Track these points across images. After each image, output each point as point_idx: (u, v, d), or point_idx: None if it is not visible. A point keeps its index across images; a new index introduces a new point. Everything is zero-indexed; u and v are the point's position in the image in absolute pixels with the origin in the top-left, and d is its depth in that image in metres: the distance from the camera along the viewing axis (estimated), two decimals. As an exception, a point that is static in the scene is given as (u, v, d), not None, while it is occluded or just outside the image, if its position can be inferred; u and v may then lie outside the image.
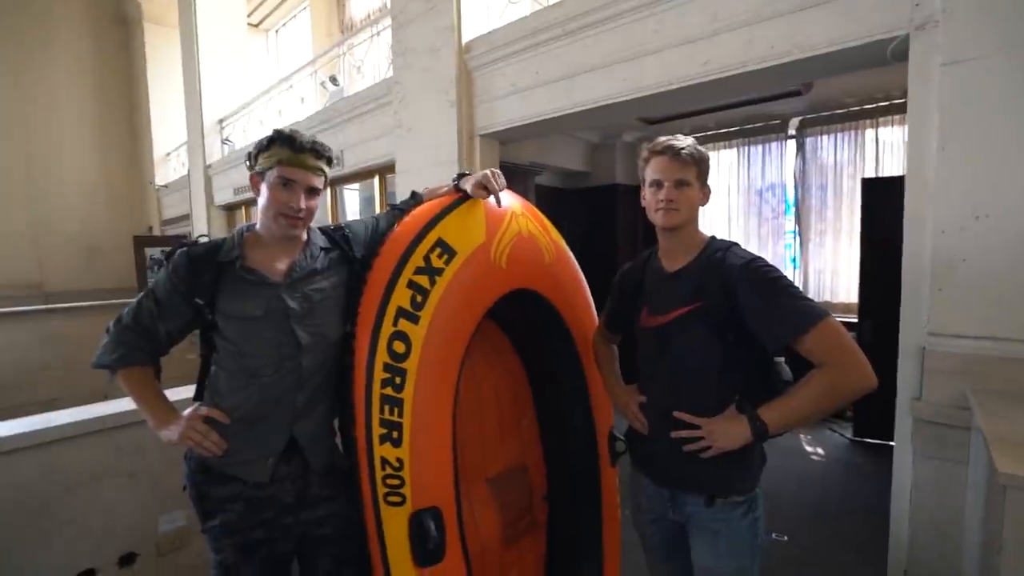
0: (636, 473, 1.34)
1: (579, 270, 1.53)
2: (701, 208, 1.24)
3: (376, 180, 4.19)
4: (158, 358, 1.30)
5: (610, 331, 1.44)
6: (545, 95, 2.75)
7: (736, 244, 1.20)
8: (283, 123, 5.29)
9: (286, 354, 1.23)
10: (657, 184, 1.20)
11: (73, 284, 8.56)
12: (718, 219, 4.73)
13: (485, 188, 1.35)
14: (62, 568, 1.75)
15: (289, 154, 1.20)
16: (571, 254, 1.51)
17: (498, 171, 1.41)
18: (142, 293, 1.25)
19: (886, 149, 3.91)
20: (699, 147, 1.21)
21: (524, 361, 1.70)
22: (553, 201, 4.72)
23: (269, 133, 1.24)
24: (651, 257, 1.32)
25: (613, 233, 4.93)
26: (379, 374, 1.21)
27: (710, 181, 1.25)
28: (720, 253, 1.17)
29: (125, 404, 1.94)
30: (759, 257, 1.14)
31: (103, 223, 8.98)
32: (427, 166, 3.28)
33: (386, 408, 1.20)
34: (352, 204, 5.71)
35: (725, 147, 4.69)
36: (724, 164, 4.69)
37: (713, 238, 1.24)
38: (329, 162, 1.27)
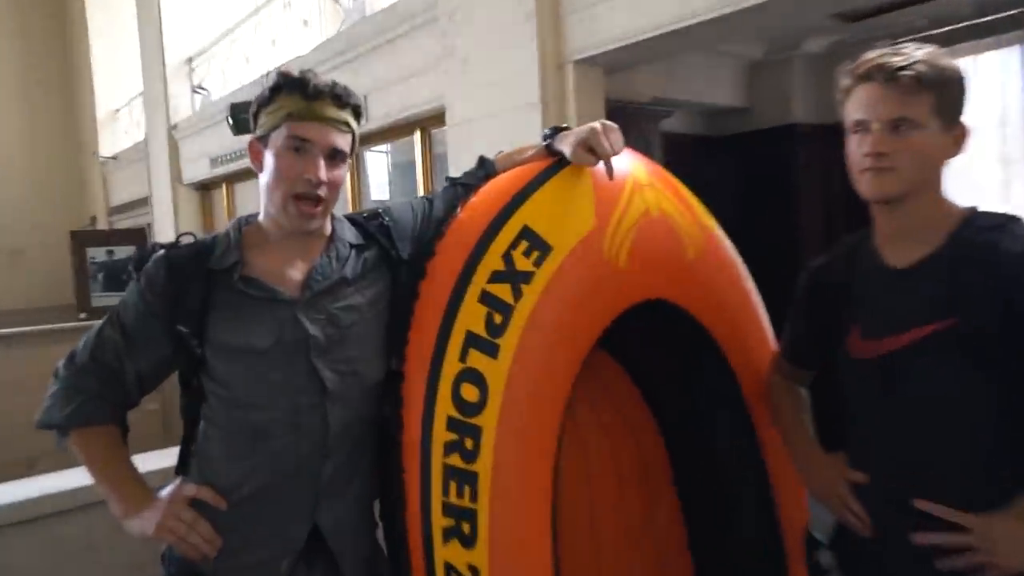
0: None
1: (743, 268, 1.52)
2: (948, 161, 1.18)
3: (416, 137, 4.37)
4: (125, 412, 1.39)
5: (795, 365, 1.42)
6: (675, -9, 2.75)
7: (1017, 219, 1.14)
8: (279, 59, 5.61)
9: (305, 404, 1.30)
10: (862, 127, 1.17)
11: (-14, 301, 9.43)
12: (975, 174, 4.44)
13: (592, 150, 1.36)
14: None
15: (301, 103, 1.26)
16: (728, 243, 1.51)
17: (612, 124, 1.42)
18: (104, 319, 1.36)
19: None
20: (942, 59, 1.15)
21: (657, 415, 1.71)
22: (689, 157, 4.64)
23: (261, 76, 1.33)
24: (862, 245, 1.30)
25: (789, 204, 4.77)
26: (440, 434, 1.26)
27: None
28: (989, 235, 1.13)
29: (64, 480, 2.09)
30: None
31: (27, 215, 9.83)
32: (495, 113, 3.37)
33: (452, 487, 1.24)
34: (378, 174, 5.95)
35: (992, 47, 4.38)
36: (988, 74, 4.35)
37: (974, 211, 1.19)
38: (357, 113, 1.35)
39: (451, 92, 3.61)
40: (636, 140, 1.40)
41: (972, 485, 1.12)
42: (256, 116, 1.33)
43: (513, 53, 3.26)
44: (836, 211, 4.89)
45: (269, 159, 1.29)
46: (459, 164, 3.52)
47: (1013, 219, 1.14)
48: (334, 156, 1.30)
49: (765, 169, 4.88)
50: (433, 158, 4.42)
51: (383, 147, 5.35)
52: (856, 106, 1.19)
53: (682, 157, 4.49)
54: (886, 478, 1.22)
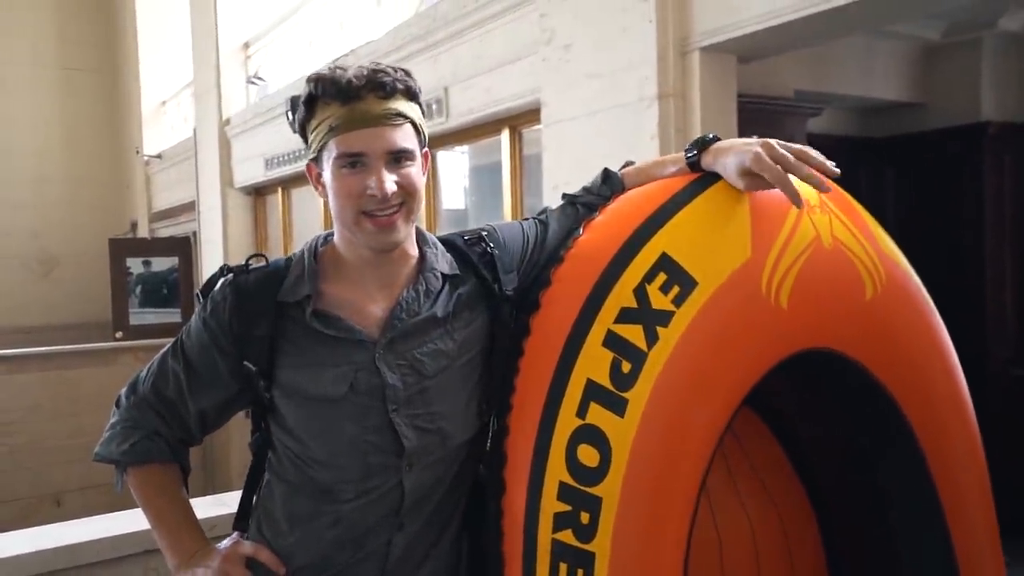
0: None
1: (934, 313, 1.46)
2: None
3: (504, 137, 4.40)
4: (187, 451, 1.46)
5: None
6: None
7: None
8: (347, 44, 5.77)
9: (378, 465, 1.32)
10: None
11: (17, 316, 9.94)
12: None
13: (760, 176, 1.26)
14: None
15: (340, 110, 1.26)
16: (916, 279, 1.46)
17: (778, 144, 1.32)
18: (167, 347, 1.42)
19: None
20: None
21: (814, 495, 1.67)
22: (845, 162, 4.54)
23: (330, 64, 1.32)
24: None
25: (976, 220, 4.60)
26: (551, 504, 1.24)
27: None
28: None
29: (104, 526, 2.21)
30: None
31: (62, 219, 10.39)
32: (599, 110, 3.36)
33: (562, 569, 1.23)
34: (452, 178, 6.01)
35: None
36: None
37: None
38: (410, 94, 1.33)
39: (548, 85, 3.63)
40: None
41: None
42: (304, 136, 1.36)
43: (626, 38, 3.25)
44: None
45: (328, 181, 1.31)
46: (556, 170, 3.54)
47: None
48: (399, 158, 1.29)
49: (941, 181, 4.72)
50: (523, 161, 4.44)
51: (462, 148, 5.39)
52: None
53: (835, 163, 4.38)
54: None
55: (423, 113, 1.37)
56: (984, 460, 1.47)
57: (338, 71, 1.28)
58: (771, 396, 1.62)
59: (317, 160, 1.33)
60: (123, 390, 1.43)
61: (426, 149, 1.37)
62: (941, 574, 1.46)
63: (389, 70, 1.30)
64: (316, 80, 1.29)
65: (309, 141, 1.33)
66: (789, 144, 1.31)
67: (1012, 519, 1.38)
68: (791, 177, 1.26)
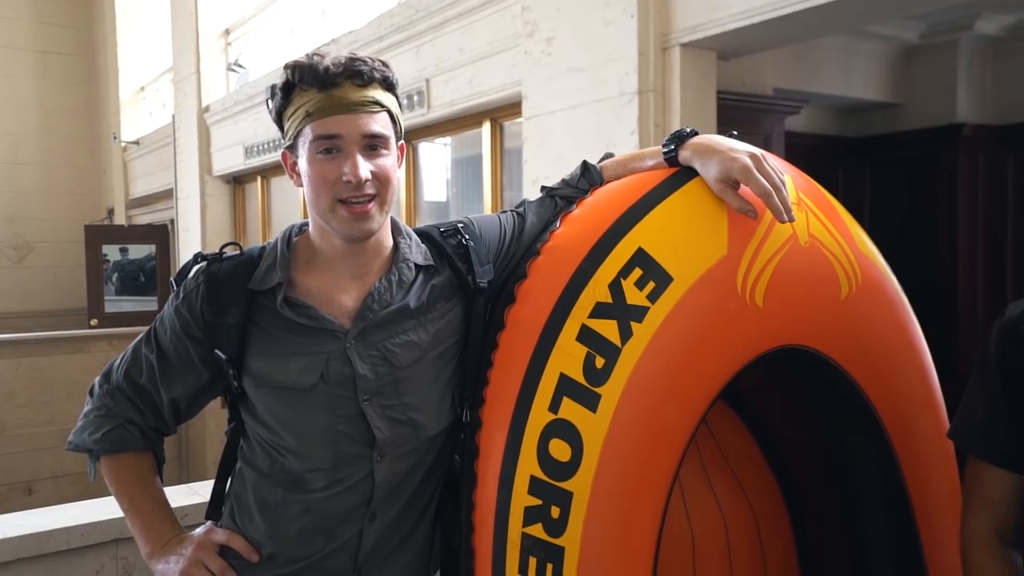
0: None
1: (911, 315, 1.46)
2: None
3: (486, 129, 4.40)
4: (161, 440, 1.45)
5: (999, 456, 1.29)
6: (813, -41, 2.69)
7: None
8: (328, 33, 5.74)
9: (349, 454, 1.32)
10: None
11: (-10, 303, 9.87)
12: None
13: (734, 184, 1.28)
14: None
15: (317, 96, 1.26)
16: (893, 279, 1.46)
17: (768, 156, 1.33)
18: (141, 335, 1.41)
19: None
20: None
21: (786, 490, 1.67)
22: (820, 162, 4.57)
23: (308, 54, 1.32)
24: None
25: (946, 226, 4.65)
26: (522, 499, 1.24)
27: None
28: None
29: (75, 513, 2.20)
30: None
31: (38, 204, 10.31)
32: (581, 104, 3.35)
33: (532, 563, 1.23)
34: (435, 170, 6.00)
35: None
36: None
37: None
38: (388, 84, 1.33)
39: (530, 78, 3.61)
40: (755, 142, 1.35)
41: None
42: (280, 125, 1.35)
43: (607, 33, 3.24)
44: (1006, 241, 4.73)
45: (304, 169, 1.31)
46: (536, 163, 3.53)
47: None
48: (374, 144, 1.29)
49: (916, 180, 4.76)
50: (504, 154, 4.43)
51: (444, 140, 5.37)
52: None
53: (810, 163, 4.40)
54: None
55: (400, 106, 1.37)
56: (954, 458, 1.48)
57: (316, 58, 1.27)
58: (745, 392, 1.64)
59: (293, 147, 1.32)
60: (97, 379, 1.43)
61: (402, 142, 1.37)
62: (909, 570, 1.47)
63: (367, 59, 1.30)
64: (293, 67, 1.28)
65: (285, 128, 1.33)
66: (767, 161, 1.31)
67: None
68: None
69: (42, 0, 10.42)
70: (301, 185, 1.34)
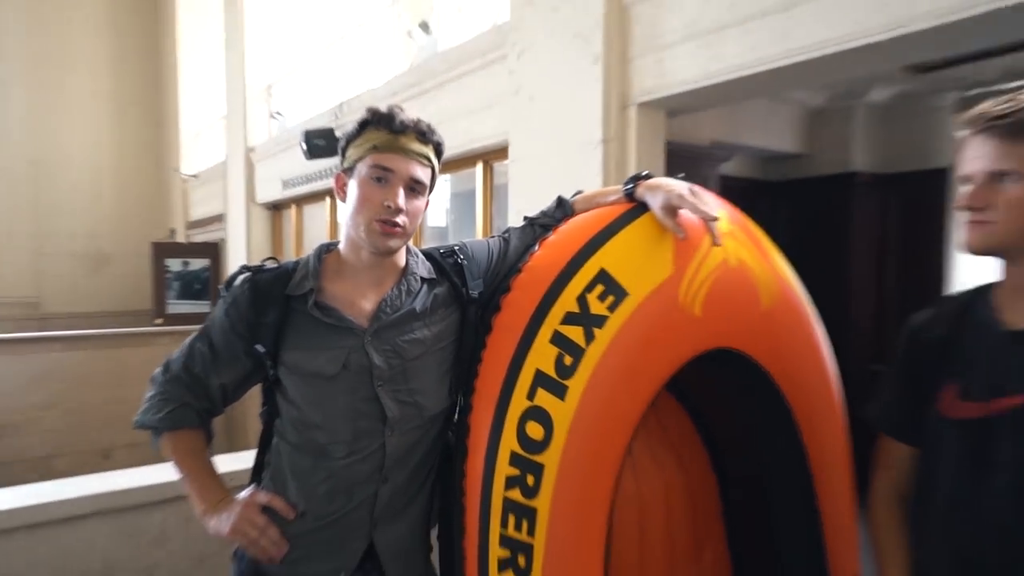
0: None
1: (817, 322, 1.46)
2: None
3: (479, 169, 4.38)
4: (211, 420, 1.45)
5: (899, 432, 1.32)
6: (742, 39, 2.71)
7: None
8: (354, 89, 5.72)
9: (365, 429, 1.32)
10: (964, 180, 1.13)
11: (75, 304, 9.81)
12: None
13: (673, 212, 1.29)
14: None
15: (386, 136, 1.29)
16: (805, 296, 1.46)
17: (703, 191, 1.37)
18: (195, 332, 1.41)
19: None
20: None
21: (716, 459, 1.67)
22: (747, 200, 4.59)
23: (335, 106, 1.35)
24: (977, 303, 1.23)
25: (844, 249, 4.68)
26: (503, 468, 1.25)
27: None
28: None
29: (144, 475, 2.19)
30: None
31: (115, 224, 10.24)
32: (556, 150, 3.35)
33: (511, 520, 1.24)
34: (436, 201, 6.00)
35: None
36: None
37: None
38: (439, 151, 1.37)
39: (515, 128, 3.61)
40: (695, 182, 1.37)
41: None
42: (344, 150, 1.35)
43: (578, 93, 3.25)
44: (889, 265, 4.78)
45: (353, 188, 1.32)
46: (519, 197, 3.52)
47: None
48: (414, 187, 1.31)
49: (819, 217, 4.80)
50: (493, 190, 4.42)
51: (444, 177, 5.37)
52: (963, 157, 1.14)
53: (738, 201, 4.42)
54: (970, 552, 1.15)
55: (438, 169, 1.40)
56: (846, 438, 1.48)
57: (395, 109, 1.31)
58: (688, 386, 1.64)
59: (349, 171, 1.34)
60: (158, 369, 1.42)
61: (431, 196, 1.40)
62: (807, 525, 1.48)
63: (432, 127, 1.35)
64: (375, 111, 1.31)
65: (348, 155, 1.34)
66: (696, 191, 1.34)
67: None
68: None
69: (119, 59, 10.36)
70: (344, 201, 1.35)
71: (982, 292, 1.23)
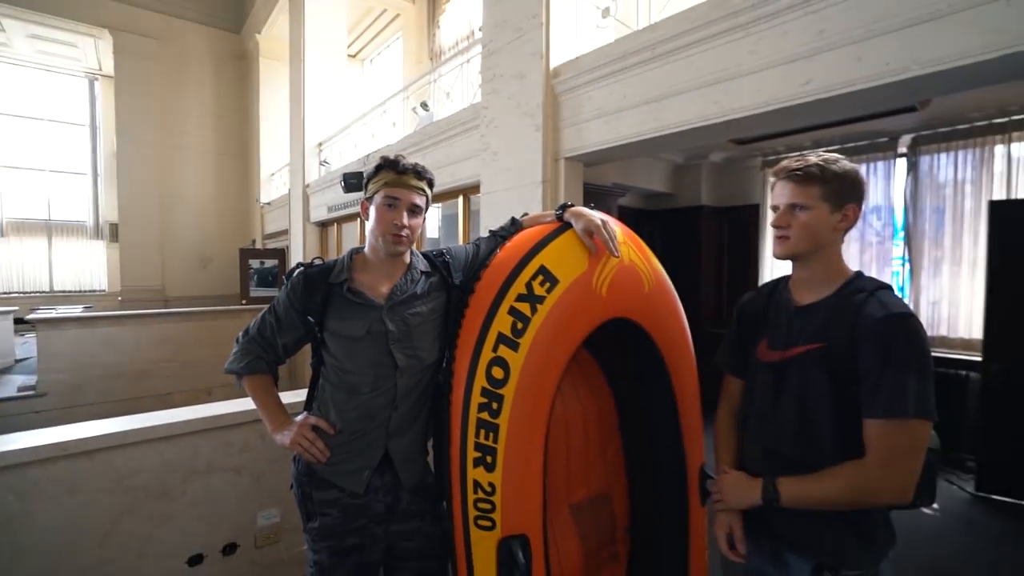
0: None
1: (677, 300, 1.47)
2: (839, 233, 1.10)
3: (460, 200, 4.32)
4: (276, 367, 1.40)
5: (733, 370, 1.32)
6: (632, 118, 2.72)
7: (886, 288, 1.06)
8: (376, 146, 5.60)
9: (383, 374, 1.28)
10: (775, 209, 1.13)
11: (188, 290, 9.55)
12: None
13: (592, 235, 1.29)
14: (177, 549, 1.91)
15: (393, 176, 1.27)
16: (670, 283, 1.46)
17: (609, 219, 1.36)
18: (266, 309, 1.36)
19: (1019, 168, 3.49)
20: (834, 163, 1.08)
21: (615, 390, 1.66)
22: (636, 223, 4.64)
23: (364, 156, 1.33)
24: (779, 287, 1.23)
25: (697, 255, 4.77)
26: (476, 399, 1.22)
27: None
28: (860, 296, 1.05)
29: (234, 406, 2.13)
30: (908, 314, 0.97)
31: (215, 236, 9.96)
32: (512, 187, 3.33)
33: (482, 432, 1.21)
34: (432, 221, 5.94)
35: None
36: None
37: (859, 274, 1.11)
38: (431, 184, 1.33)
39: (484, 173, 3.58)
40: (602, 210, 1.38)
41: (819, 454, 1.06)
42: (366, 185, 1.32)
43: (526, 150, 3.23)
44: (724, 264, 4.89)
45: (373, 212, 1.29)
46: (487, 220, 3.49)
47: (883, 287, 1.07)
48: (414, 210, 1.29)
49: (682, 234, 4.88)
50: (469, 214, 4.39)
51: (437, 205, 5.30)
52: (774, 195, 1.14)
53: (632, 223, 4.46)
54: (767, 442, 1.16)
55: (431, 196, 1.36)
56: (696, 376, 1.50)
57: (399, 157, 1.29)
58: (600, 346, 1.61)
59: (370, 199, 1.30)
60: (240, 333, 1.37)
61: (426, 214, 1.36)
62: (673, 432, 1.49)
63: (425, 169, 1.32)
64: (386, 158, 1.29)
65: (369, 188, 1.30)
66: (607, 224, 1.33)
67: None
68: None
69: (218, 124, 10.03)
70: (367, 219, 1.32)
71: (782, 281, 1.24)
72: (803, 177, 1.08)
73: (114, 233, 9.54)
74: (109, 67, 9.19)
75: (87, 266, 10.08)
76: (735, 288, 4.81)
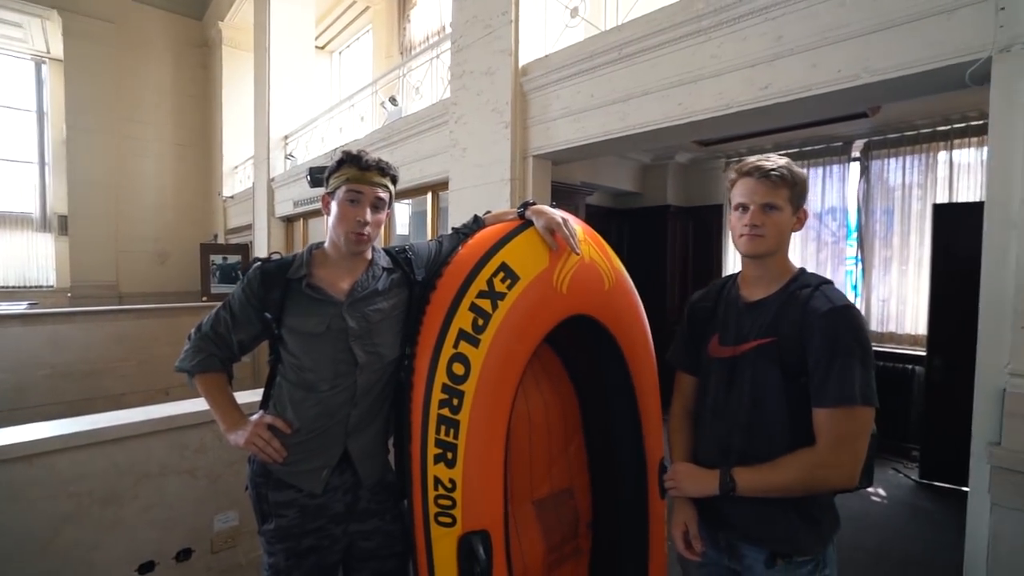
0: None
1: (638, 298, 1.49)
2: (794, 235, 1.16)
3: (429, 196, 4.28)
4: (231, 365, 1.35)
5: (685, 367, 1.34)
6: (599, 118, 2.75)
7: (829, 283, 1.10)
8: (344, 140, 5.49)
9: (342, 371, 1.26)
10: (743, 207, 1.13)
11: (144, 286, 9.14)
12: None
13: (553, 233, 1.30)
14: (126, 558, 1.84)
15: (356, 172, 1.24)
16: (631, 281, 1.48)
17: (570, 217, 1.36)
18: (221, 304, 1.31)
19: (960, 173, 3.68)
20: (794, 168, 1.12)
21: (577, 386, 1.67)
22: (604, 221, 4.69)
23: (332, 151, 1.30)
24: (729, 285, 1.26)
25: (663, 253, 4.85)
26: (437, 395, 1.21)
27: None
28: (806, 291, 1.08)
29: (190, 406, 2.06)
30: (850, 306, 1.03)
31: (174, 230, 9.55)
32: (480, 184, 3.31)
33: (442, 428, 1.20)
34: (401, 218, 5.87)
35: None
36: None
37: (802, 271, 1.15)
38: (394, 180, 1.31)
39: (453, 169, 3.55)
40: (569, 208, 1.38)
41: (772, 445, 1.09)
42: (328, 179, 1.29)
43: (494, 147, 3.22)
44: (688, 261, 4.99)
45: (334, 207, 1.26)
46: (456, 217, 3.47)
47: (826, 282, 1.11)
48: (377, 205, 1.26)
49: (648, 233, 4.96)
50: (438, 211, 4.35)
51: (406, 200, 5.24)
52: (739, 192, 1.14)
53: (599, 221, 4.52)
54: (720, 436, 1.18)
55: (395, 192, 1.33)
56: (656, 373, 1.52)
57: (362, 152, 1.25)
58: (561, 342, 1.62)
59: (332, 194, 1.27)
60: (192, 330, 1.33)
61: (391, 209, 1.33)
62: (633, 427, 1.51)
63: (389, 164, 1.29)
64: (348, 152, 1.26)
65: (331, 182, 1.27)
66: (568, 222, 1.34)
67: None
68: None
69: (178, 115, 9.64)
70: (329, 215, 1.29)
71: (732, 278, 1.27)
72: (778, 178, 1.10)
73: (63, 226, 9.02)
74: (58, 50, 8.69)
75: (33, 260, 9.57)
76: (699, 286, 4.90)
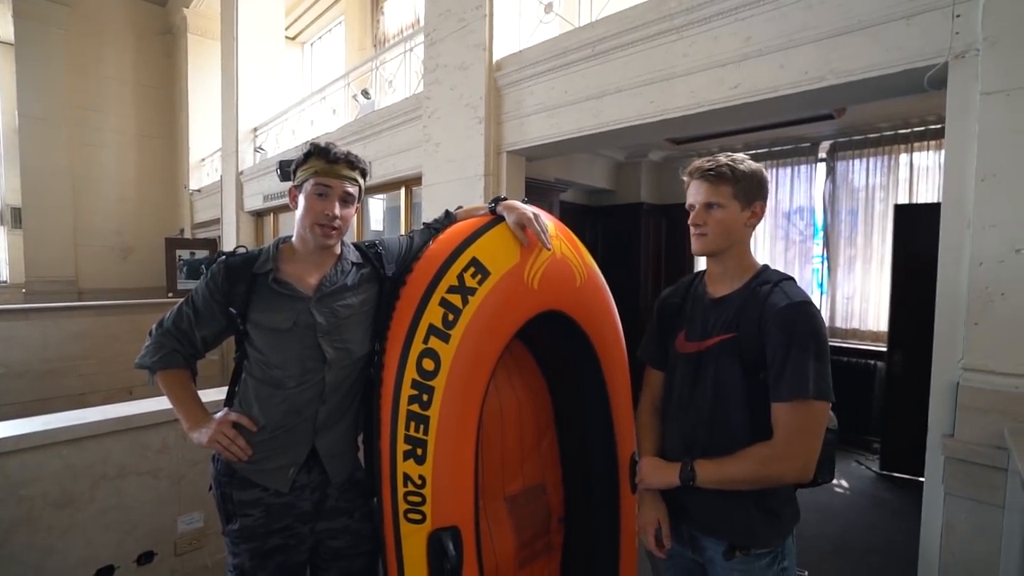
0: None
1: (609, 294, 1.49)
2: (762, 233, 1.19)
3: (402, 191, 4.23)
4: (194, 361, 1.32)
5: (654, 362, 1.34)
6: (573, 114, 2.75)
7: (789, 280, 1.12)
8: (315, 133, 5.39)
9: (310, 367, 1.24)
10: (691, 208, 1.17)
11: (106, 282, 8.80)
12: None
13: (524, 228, 1.29)
14: (83, 562, 1.78)
15: (324, 165, 1.22)
16: (603, 278, 1.48)
17: (541, 213, 1.36)
18: (184, 299, 1.27)
19: (920, 175, 3.83)
20: (741, 163, 1.13)
21: (548, 381, 1.67)
22: (577, 218, 4.71)
23: (302, 144, 1.27)
24: (696, 282, 1.28)
25: (636, 251, 4.89)
26: (407, 391, 1.20)
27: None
28: (766, 287, 1.11)
29: (151, 405, 2.00)
30: (807, 303, 1.05)
31: (137, 224, 9.23)
32: (454, 180, 3.29)
33: (412, 425, 1.19)
34: (376, 213, 5.79)
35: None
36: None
37: (765, 268, 1.18)
38: (364, 174, 1.29)
39: (426, 164, 3.51)
40: (543, 205, 1.38)
41: (734, 439, 1.11)
42: (294, 172, 1.26)
43: (468, 142, 3.20)
44: (662, 259, 5.06)
45: (301, 200, 1.24)
46: (429, 212, 3.44)
47: (787, 279, 1.13)
48: (346, 199, 1.24)
49: (622, 230, 5.00)
50: (412, 206, 4.30)
51: (380, 196, 5.17)
52: (688, 194, 1.18)
53: (573, 218, 4.54)
54: (685, 430, 1.20)
55: (364, 186, 1.31)
56: (627, 368, 1.53)
57: (331, 145, 1.23)
58: (533, 337, 1.62)
59: (299, 187, 1.25)
60: (153, 325, 1.29)
61: (359, 204, 1.31)
62: (605, 423, 1.52)
63: (358, 158, 1.27)
64: (316, 145, 1.23)
65: (298, 175, 1.24)
66: (538, 215, 1.34)
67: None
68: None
69: (140, 102, 9.29)
70: (296, 208, 1.26)
71: (699, 275, 1.29)
72: (715, 176, 1.12)
73: (17, 218, 8.65)
74: (8, 33, 8.27)
75: (-15, 255, 9.14)
76: (672, 283, 4.99)
